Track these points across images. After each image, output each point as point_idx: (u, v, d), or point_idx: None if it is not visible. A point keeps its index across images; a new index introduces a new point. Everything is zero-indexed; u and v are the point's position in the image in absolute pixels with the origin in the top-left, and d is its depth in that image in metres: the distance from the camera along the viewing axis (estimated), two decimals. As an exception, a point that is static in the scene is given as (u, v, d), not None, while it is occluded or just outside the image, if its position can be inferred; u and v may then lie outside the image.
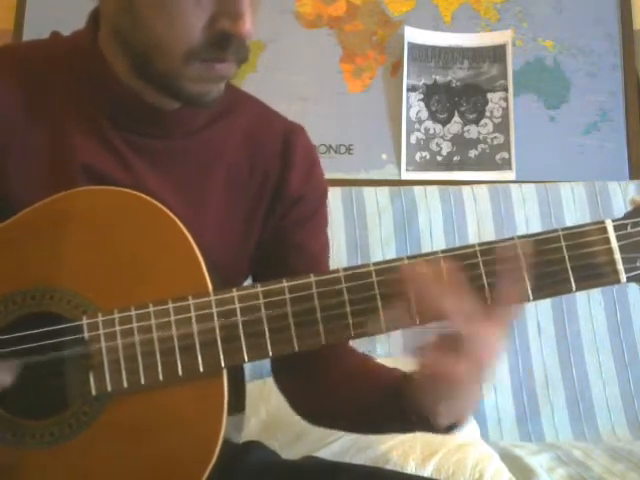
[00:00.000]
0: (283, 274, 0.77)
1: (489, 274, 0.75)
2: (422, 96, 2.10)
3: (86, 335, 0.76)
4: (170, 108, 0.86)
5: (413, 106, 2.10)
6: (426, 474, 1.27)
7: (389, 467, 1.27)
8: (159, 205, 0.78)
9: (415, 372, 0.78)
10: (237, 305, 0.75)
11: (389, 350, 1.78)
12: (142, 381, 0.75)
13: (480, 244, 0.75)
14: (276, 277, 0.77)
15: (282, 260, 0.95)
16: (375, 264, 0.76)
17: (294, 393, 1.00)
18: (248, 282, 0.98)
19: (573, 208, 1.89)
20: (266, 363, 1.66)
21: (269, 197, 0.93)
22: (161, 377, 0.75)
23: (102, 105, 0.85)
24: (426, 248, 1.84)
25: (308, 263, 0.95)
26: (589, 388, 1.78)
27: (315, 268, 0.92)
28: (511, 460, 1.45)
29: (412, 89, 2.10)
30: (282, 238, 0.95)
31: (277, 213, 0.94)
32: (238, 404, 0.83)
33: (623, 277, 0.74)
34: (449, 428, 0.82)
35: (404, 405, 0.81)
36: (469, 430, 1.48)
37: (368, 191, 1.91)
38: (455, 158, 2.07)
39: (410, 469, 1.28)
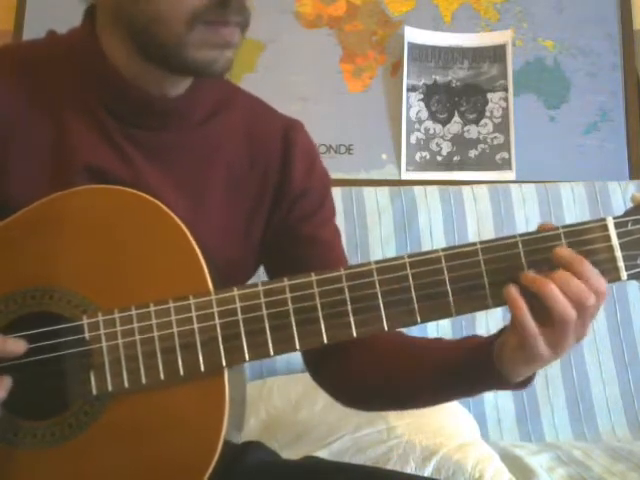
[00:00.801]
0: (300, 267, 0.78)
1: (490, 272, 0.75)
2: (422, 96, 2.10)
3: (87, 335, 0.76)
4: (170, 95, 0.86)
5: (413, 106, 2.09)
6: (426, 474, 1.26)
7: (389, 467, 1.27)
8: (159, 204, 0.78)
9: (510, 332, 0.79)
10: (238, 304, 0.75)
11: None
12: (143, 381, 0.75)
13: (482, 242, 0.75)
14: (294, 271, 0.77)
15: (296, 254, 0.95)
16: (376, 262, 0.76)
17: (332, 383, 0.99)
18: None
19: (573, 208, 1.89)
20: (266, 363, 1.68)
21: (271, 195, 0.93)
22: (162, 377, 0.75)
23: (102, 99, 0.86)
24: (426, 247, 1.83)
25: (323, 251, 0.96)
26: (589, 388, 1.78)
27: (331, 254, 0.92)
28: (511, 460, 1.45)
29: (412, 89, 2.10)
30: (291, 233, 0.95)
31: (282, 210, 0.94)
32: (239, 404, 0.83)
33: (624, 274, 0.75)
34: (521, 384, 0.84)
35: (472, 370, 0.83)
36: (469, 430, 1.48)
37: (368, 191, 1.91)
38: (455, 158, 2.07)
39: (410, 469, 1.28)
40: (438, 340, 0.95)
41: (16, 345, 0.75)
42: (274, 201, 0.94)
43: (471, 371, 0.84)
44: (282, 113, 0.99)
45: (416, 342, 0.94)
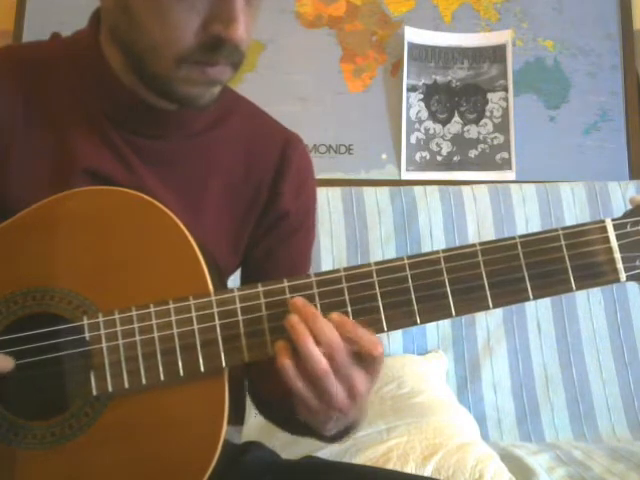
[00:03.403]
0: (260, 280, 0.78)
1: (489, 274, 0.75)
2: (422, 96, 2.10)
3: (87, 335, 0.76)
4: (169, 109, 0.86)
5: (413, 106, 2.10)
6: (426, 474, 1.27)
7: (389, 467, 1.27)
8: (159, 205, 0.78)
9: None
10: (238, 305, 0.75)
11: (389, 349, 1.78)
12: (143, 381, 0.75)
13: (481, 243, 0.75)
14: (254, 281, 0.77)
15: (263, 270, 0.95)
16: (376, 263, 0.76)
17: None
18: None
19: (573, 208, 1.89)
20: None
21: (261, 207, 0.94)
22: (162, 377, 0.75)
23: (103, 105, 0.86)
24: (426, 248, 1.85)
25: (286, 273, 0.95)
26: (589, 388, 1.78)
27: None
28: (511, 460, 1.45)
29: (412, 89, 2.10)
30: (267, 251, 0.96)
31: (264, 225, 0.95)
32: (239, 404, 0.83)
33: (623, 276, 0.75)
34: (332, 438, 0.84)
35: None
36: (469, 430, 1.48)
37: (368, 191, 1.91)
38: (455, 158, 2.07)
39: (410, 469, 1.28)
40: None
41: (4, 362, 0.75)
42: (260, 217, 0.94)
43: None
44: (282, 125, 0.99)
45: None
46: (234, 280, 0.98)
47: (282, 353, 0.73)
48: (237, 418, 0.84)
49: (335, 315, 0.73)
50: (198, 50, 0.77)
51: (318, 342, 0.72)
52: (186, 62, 0.78)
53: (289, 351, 0.73)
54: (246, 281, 0.96)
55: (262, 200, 0.94)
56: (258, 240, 0.95)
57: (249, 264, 0.97)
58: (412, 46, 2.12)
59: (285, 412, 0.85)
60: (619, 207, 1.89)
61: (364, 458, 1.31)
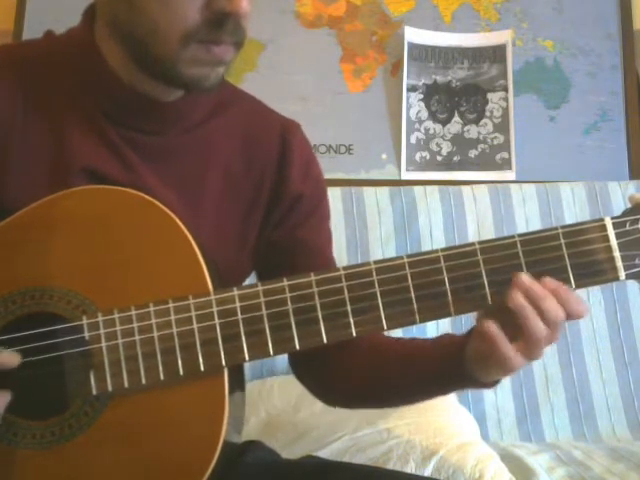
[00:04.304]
0: (287, 270, 0.78)
1: (489, 272, 0.75)
2: (422, 96, 2.10)
3: (86, 335, 0.76)
4: (168, 99, 0.86)
5: (413, 106, 2.09)
6: (426, 474, 1.26)
7: (389, 467, 1.27)
8: (158, 204, 0.78)
9: (475, 338, 0.81)
10: (237, 304, 0.75)
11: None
12: (143, 381, 0.75)
13: (480, 242, 0.75)
14: (280, 274, 0.77)
15: (286, 257, 0.95)
16: (376, 262, 0.76)
17: (315, 383, 1.00)
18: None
19: (573, 208, 1.89)
20: (266, 363, 1.68)
21: (267, 196, 0.94)
22: (162, 377, 0.75)
23: (100, 102, 0.85)
24: (426, 248, 1.84)
25: (313, 257, 0.96)
26: (589, 388, 1.78)
27: (320, 261, 0.92)
28: (511, 460, 1.45)
29: (412, 89, 2.10)
30: (285, 236, 0.95)
31: (278, 212, 0.94)
32: (238, 402, 0.83)
33: (622, 274, 0.75)
34: (490, 384, 0.85)
35: (444, 368, 0.85)
36: (469, 430, 1.48)
37: (368, 191, 1.91)
38: (455, 158, 2.07)
39: (410, 469, 1.28)
40: (412, 340, 0.96)
41: (10, 358, 0.75)
42: (269, 204, 0.94)
43: (443, 374, 0.86)
44: (279, 113, 0.99)
45: (391, 343, 0.96)
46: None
47: (496, 334, 0.76)
48: (237, 418, 0.83)
49: (549, 281, 0.75)
50: (204, 27, 0.77)
51: (543, 319, 0.75)
52: (192, 41, 0.78)
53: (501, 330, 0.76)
54: (267, 272, 0.95)
55: (268, 187, 0.94)
56: (276, 225, 0.95)
57: (268, 253, 0.96)
58: (412, 46, 2.11)
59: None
60: (619, 207, 1.88)
61: (364, 458, 1.31)
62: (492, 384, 0.85)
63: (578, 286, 0.75)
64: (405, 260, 0.75)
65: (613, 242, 0.75)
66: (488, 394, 1.77)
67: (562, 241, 0.75)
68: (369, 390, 0.95)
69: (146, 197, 0.78)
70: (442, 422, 1.43)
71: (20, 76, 0.85)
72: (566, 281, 0.75)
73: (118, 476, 0.76)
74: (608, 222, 0.75)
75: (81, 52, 0.86)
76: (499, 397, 1.77)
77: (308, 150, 0.99)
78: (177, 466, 0.76)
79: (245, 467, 0.94)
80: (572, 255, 0.75)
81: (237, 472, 0.91)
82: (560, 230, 0.75)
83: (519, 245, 0.75)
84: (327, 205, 1.02)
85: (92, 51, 0.85)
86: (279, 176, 0.94)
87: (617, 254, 0.75)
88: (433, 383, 0.89)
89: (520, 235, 0.75)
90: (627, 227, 0.75)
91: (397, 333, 1.78)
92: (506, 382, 1.78)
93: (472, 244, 0.76)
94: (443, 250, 0.75)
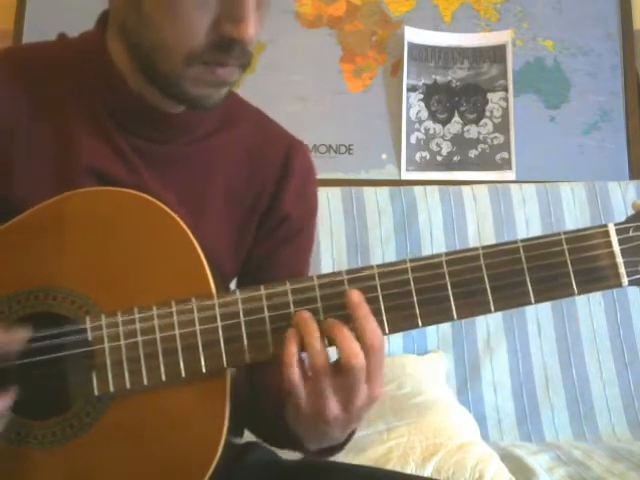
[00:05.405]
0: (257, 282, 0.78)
1: (491, 277, 0.75)
2: (422, 96, 2.11)
3: (89, 336, 0.76)
4: (174, 111, 0.86)
5: (413, 106, 2.10)
6: (426, 474, 1.27)
7: (389, 467, 1.27)
8: (162, 206, 0.78)
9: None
10: (240, 307, 0.75)
11: (389, 350, 1.78)
12: (145, 382, 0.75)
13: (483, 247, 0.75)
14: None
15: (263, 274, 0.95)
16: (378, 266, 0.76)
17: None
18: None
19: (573, 208, 1.89)
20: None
21: (262, 211, 0.94)
22: (164, 378, 0.75)
23: (108, 108, 0.85)
24: (426, 248, 1.85)
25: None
26: (589, 388, 1.78)
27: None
28: (511, 460, 1.45)
29: (412, 89, 2.10)
30: (265, 253, 0.96)
31: (266, 228, 0.95)
32: (239, 405, 0.83)
33: (625, 281, 0.75)
34: (319, 453, 0.85)
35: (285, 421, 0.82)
36: (469, 430, 1.48)
37: (368, 191, 1.92)
38: (455, 158, 2.08)
39: (410, 469, 1.28)
40: None
41: (19, 333, 0.75)
42: (261, 219, 0.95)
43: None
44: (289, 132, 0.99)
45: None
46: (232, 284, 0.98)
47: (291, 340, 0.73)
48: (238, 419, 0.84)
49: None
50: (209, 49, 0.77)
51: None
52: (196, 62, 0.78)
53: (297, 340, 0.73)
54: (244, 283, 0.96)
55: (263, 205, 0.94)
56: (259, 242, 0.96)
57: (249, 266, 0.97)
58: (412, 46, 2.12)
59: (275, 413, 0.85)
60: (619, 207, 1.89)
61: (364, 458, 1.31)
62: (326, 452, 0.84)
63: (581, 292, 0.75)
64: (408, 265, 0.75)
65: (616, 248, 0.75)
66: (488, 394, 1.78)
67: (565, 247, 0.75)
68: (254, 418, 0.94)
69: (151, 199, 0.78)
70: (442, 422, 1.43)
71: (28, 79, 0.85)
72: (569, 287, 0.75)
73: (119, 476, 0.76)
74: (611, 228, 0.75)
75: (92, 56, 0.86)
76: (499, 397, 1.77)
77: (308, 172, 0.99)
78: (178, 466, 0.76)
79: (245, 467, 0.94)
80: (575, 261, 0.75)
81: (237, 472, 0.91)
82: (563, 236, 0.75)
83: (522, 250, 0.75)
84: (312, 232, 1.01)
85: (103, 56, 0.85)
86: (275, 194, 0.94)
87: (620, 260, 0.74)
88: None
89: (523, 240, 0.75)
90: (630, 233, 0.75)
91: (397, 336, 1.79)
92: (506, 382, 1.78)
93: (475, 249, 0.76)
94: (446, 255, 0.75)
